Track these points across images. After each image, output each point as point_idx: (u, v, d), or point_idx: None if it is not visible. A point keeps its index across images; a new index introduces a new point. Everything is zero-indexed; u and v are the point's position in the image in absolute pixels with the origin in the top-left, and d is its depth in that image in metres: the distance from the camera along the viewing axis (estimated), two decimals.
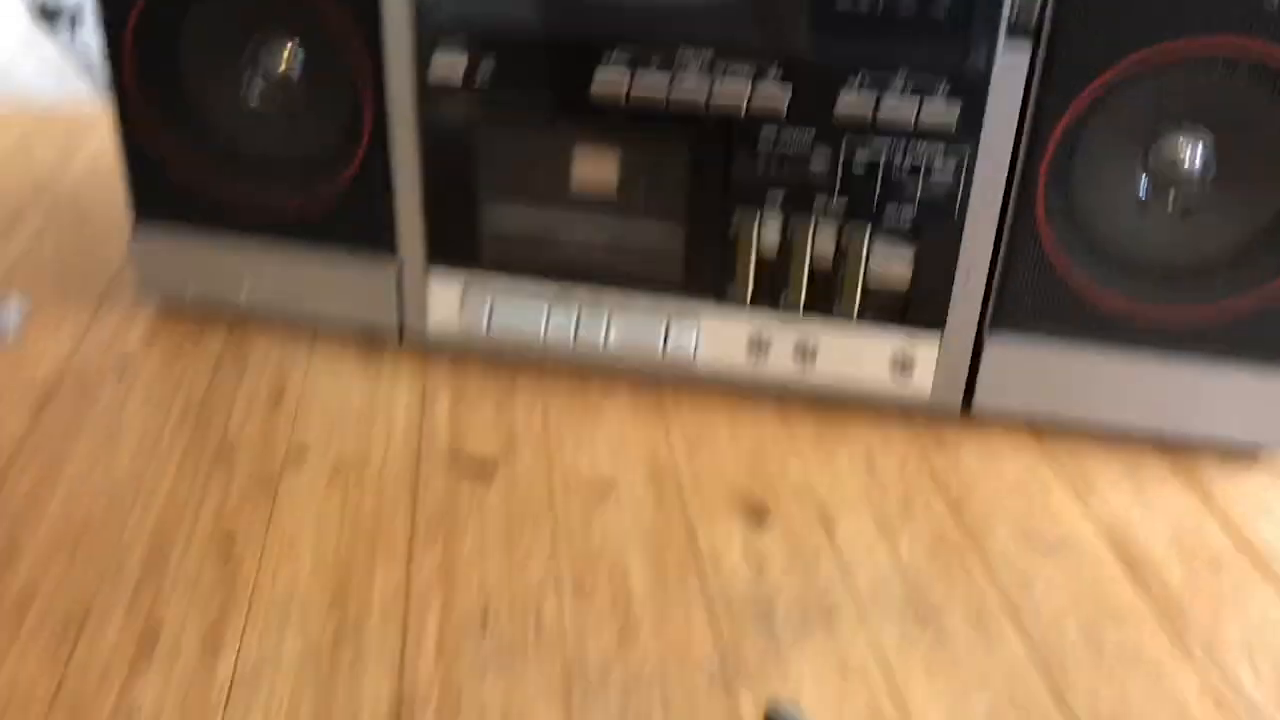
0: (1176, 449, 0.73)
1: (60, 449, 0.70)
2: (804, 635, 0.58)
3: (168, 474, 0.68)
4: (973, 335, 0.72)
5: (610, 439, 0.73)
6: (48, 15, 2.17)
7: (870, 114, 0.67)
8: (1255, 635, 0.60)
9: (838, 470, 0.71)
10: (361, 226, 0.77)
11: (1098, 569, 0.64)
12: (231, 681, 0.54)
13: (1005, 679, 0.56)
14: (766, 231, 0.71)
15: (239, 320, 0.82)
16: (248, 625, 0.58)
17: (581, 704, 0.54)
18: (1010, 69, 0.65)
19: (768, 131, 0.69)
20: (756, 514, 0.67)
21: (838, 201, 0.70)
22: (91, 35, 2.30)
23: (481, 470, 0.69)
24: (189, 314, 0.83)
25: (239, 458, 0.69)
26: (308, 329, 0.82)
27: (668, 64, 0.69)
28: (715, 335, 0.74)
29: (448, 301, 0.78)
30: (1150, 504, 0.69)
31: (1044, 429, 0.75)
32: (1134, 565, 0.64)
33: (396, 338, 0.80)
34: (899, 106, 0.67)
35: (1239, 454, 0.73)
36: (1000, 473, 0.71)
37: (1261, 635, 0.60)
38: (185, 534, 0.63)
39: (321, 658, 0.56)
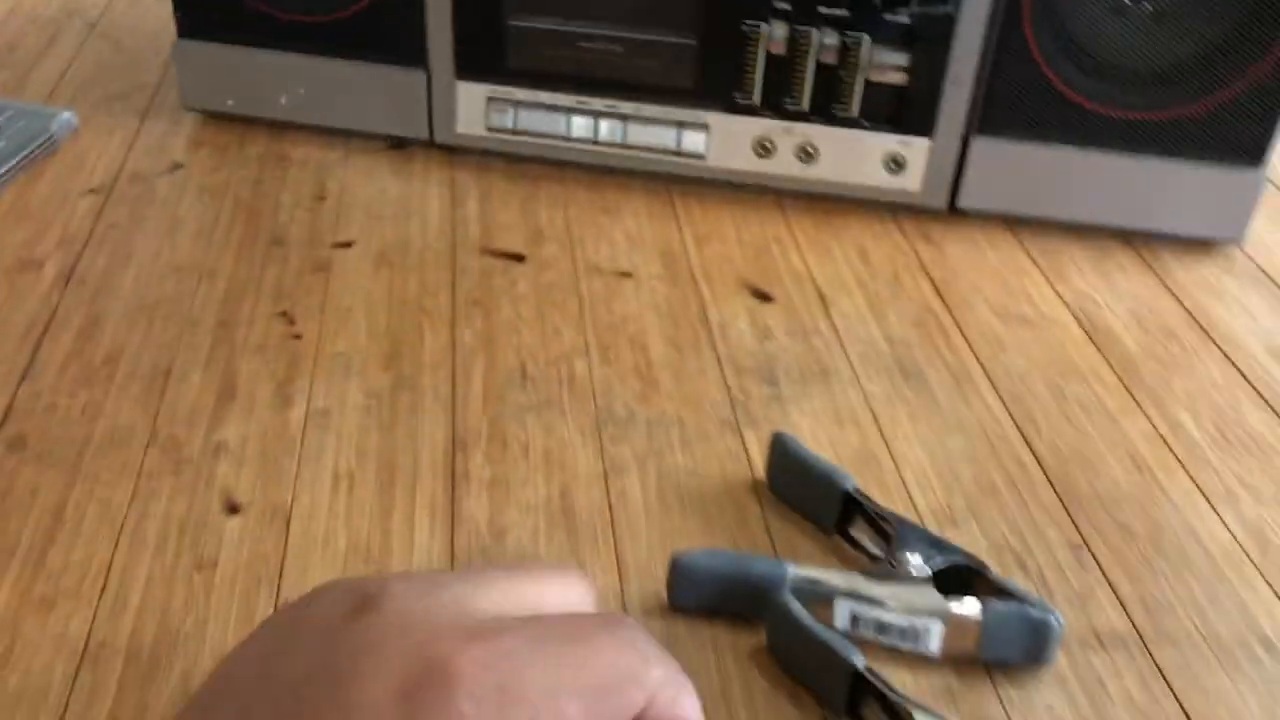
0: (1141, 242, 0.81)
1: (126, 238, 0.76)
2: (803, 390, 0.67)
3: (227, 258, 0.75)
4: (959, 137, 0.79)
5: (627, 234, 0.80)
6: None
7: None
8: (1199, 391, 0.68)
9: (834, 260, 0.78)
10: (393, 39, 0.82)
11: (1064, 337, 0.72)
12: (305, 423, 0.62)
13: (979, 424, 0.65)
14: (773, 39, 0.77)
15: (277, 129, 0.88)
16: (314, 380, 0.65)
17: (611, 438, 0.62)
18: None
19: None
20: (760, 295, 0.74)
21: (840, 9, 0.76)
22: None
23: (512, 259, 0.76)
24: (230, 123, 0.89)
25: (291, 246, 0.76)
26: (342, 137, 0.88)
27: None
28: (724, 138, 0.81)
29: (474, 110, 0.84)
30: (1114, 286, 0.77)
31: (1021, 225, 0.82)
32: (1096, 334, 0.72)
33: (426, 144, 0.86)
34: None
35: (1196, 246, 0.81)
36: (981, 261, 0.79)
37: (1204, 391, 0.68)
38: (249, 306, 0.70)
39: (383, 404, 0.64)
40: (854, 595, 0.51)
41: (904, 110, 0.78)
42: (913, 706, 0.46)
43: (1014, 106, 0.77)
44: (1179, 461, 0.63)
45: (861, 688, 0.47)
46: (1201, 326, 0.74)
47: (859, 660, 0.47)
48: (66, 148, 0.86)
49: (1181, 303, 0.76)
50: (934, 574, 0.51)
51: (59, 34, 1.03)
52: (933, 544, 0.53)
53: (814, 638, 0.49)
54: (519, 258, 0.77)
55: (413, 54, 0.83)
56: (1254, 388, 0.69)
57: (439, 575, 0.37)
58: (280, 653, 0.35)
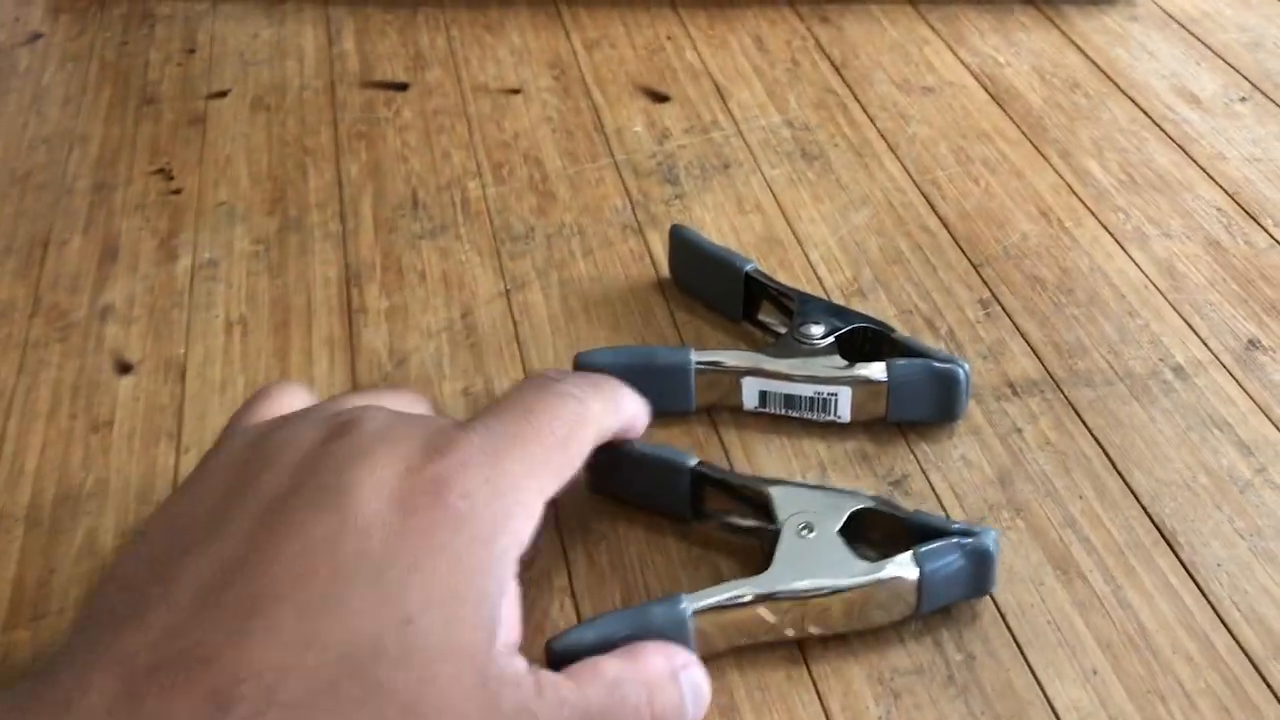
0: (1042, 1, 0.79)
1: None
2: (704, 185, 0.65)
3: (97, 123, 0.71)
4: None
5: (514, 49, 0.76)
6: None
7: None
8: (1104, 138, 0.67)
9: (730, 52, 0.75)
10: None
11: (967, 101, 0.70)
12: (192, 276, 0.60)
13: (884, 196, 0.63)
14: None
15: None
16: (198, 232, 0.63)
17: (510, 255, 0.60)
18: None
19: None
20: (656, 96, 0.72)
21: None
22: None
23: (394, 88, 0.73)
24: None
25: (163, 102, 0.73)
26: None
27: None
28: None
29: None
30: (1017, 46, 0.75)
31: None
32: (999, 94, 0.70)
33: None
34: None
35: None
36: (880, 36, 0.76)
37: (1110, 137, 0.67)
38: (125, 167, 0.67)
39: (271, 248, 0.62)
40: (758, 373, 0.50)
41: None
42: (758, 483, 0.45)
43: None
44: (1087, 208, 0.62)
45: (700, 483, 0.46)
46: (1106, 74, 0.72)
47: (691, 460, 0.45)
48: None
49: (1085, 53, 0.74)
50: (837, 341, 0.51)
51: None
52: (835, 313, 0.52)
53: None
54: (401, 86, 0.73)
55: None
56: (1160, 128, 0.67)
57: (390, 402, 0.40)
58: (257, 470, 0.36)
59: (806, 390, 0.50)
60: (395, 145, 0.68)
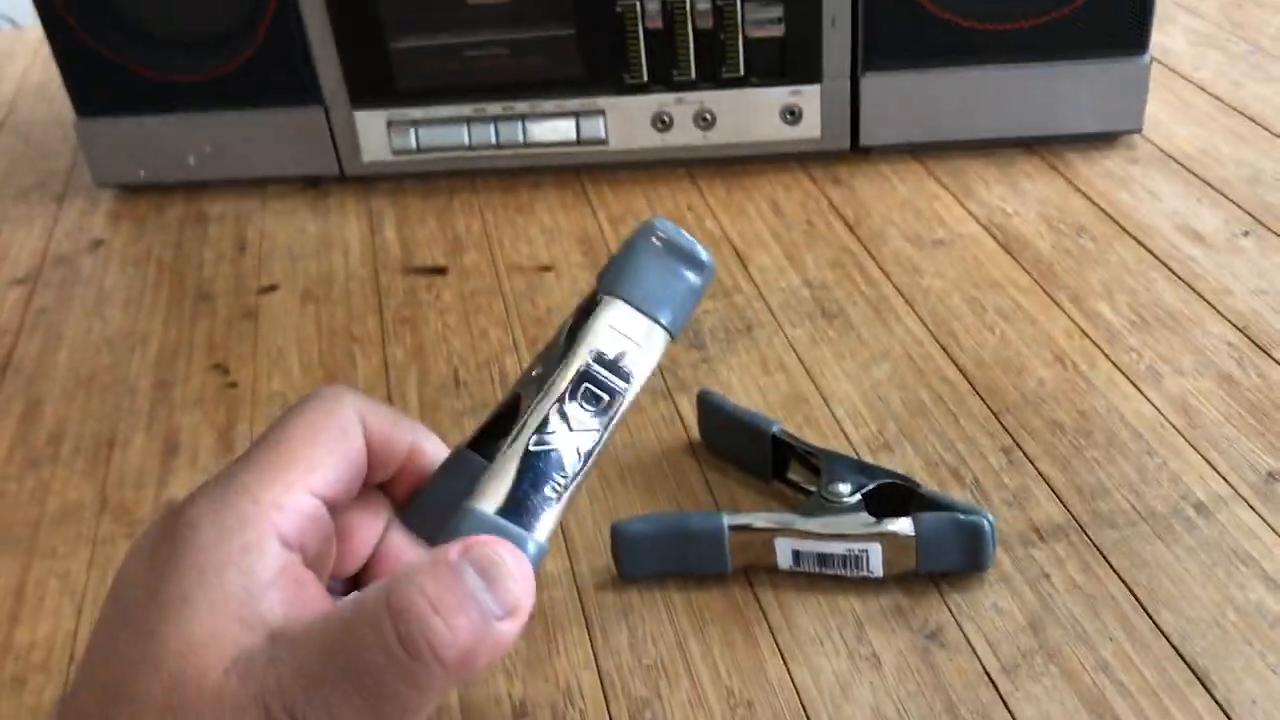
0: (1044, 147, 0.82)
1: (56, 318, 0.77)
2: (729, 347, 0.68)
3: (156, 322, 0.76)
4: (848, 77, 0.80)
5: (544, 229, 0.81)
6: None
7: None
8: (1113, 279, 0.69)
9: (748, 217, 0.79)
10: (285, 80, 0.84)
11: (978, 252, 0.73)
12: None
13: (903, 348, 0.66)
14: (649, 15, 0.78)
15: (192, 189, 0.90)
16: (253, 423, 0.66)
17: None
18: None
19: None
20: None
21: None
22: None
23: (434, 272, 0.78)
24: (145, 192, 0.90)
25: (218, 298, 0.78)
26: (256, 185, 0.89)
27: None
28: (622, 119, 0.82)
29: (377, 136, 0.85)
30: (1023, 194, 0.78)
31: (926, 152, 0.83)
32: (1009, 243, 0.73)
33: (336, 178, 0.88)
34: None
35: (1098, 140, 0.82)
36: (890, 193, 0.80)
37: (1118, 278, 0.69)
38: (183, 364, 0.72)
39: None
40: (790, 533, 0.52)
41: (789, 61, 0.79)
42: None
43: (894, 38, 0.78)
44: (1100, 350, 0.64)
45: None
46: (1111, 217, 0.75)
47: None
48: None
49: (1089, 198, 0.77)
50: (864, 498, 0.53)
51: None
52: (861, 470, 0.54)
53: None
54: (441, 270, 0.78)
55: (307, 92, 0.84)
56: (1167, 267, 0.70)
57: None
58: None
59: (838, 548, 0.52)
60: (437, 327, 0.72)
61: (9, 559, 0.59)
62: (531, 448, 0.36)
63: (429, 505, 0.39)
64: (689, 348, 0.68)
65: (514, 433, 0.36)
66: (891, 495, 0.54)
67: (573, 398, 0.37)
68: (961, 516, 0.51)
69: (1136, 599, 0.50)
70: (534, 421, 0.36)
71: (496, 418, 0.39)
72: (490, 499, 0.35)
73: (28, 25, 1.26)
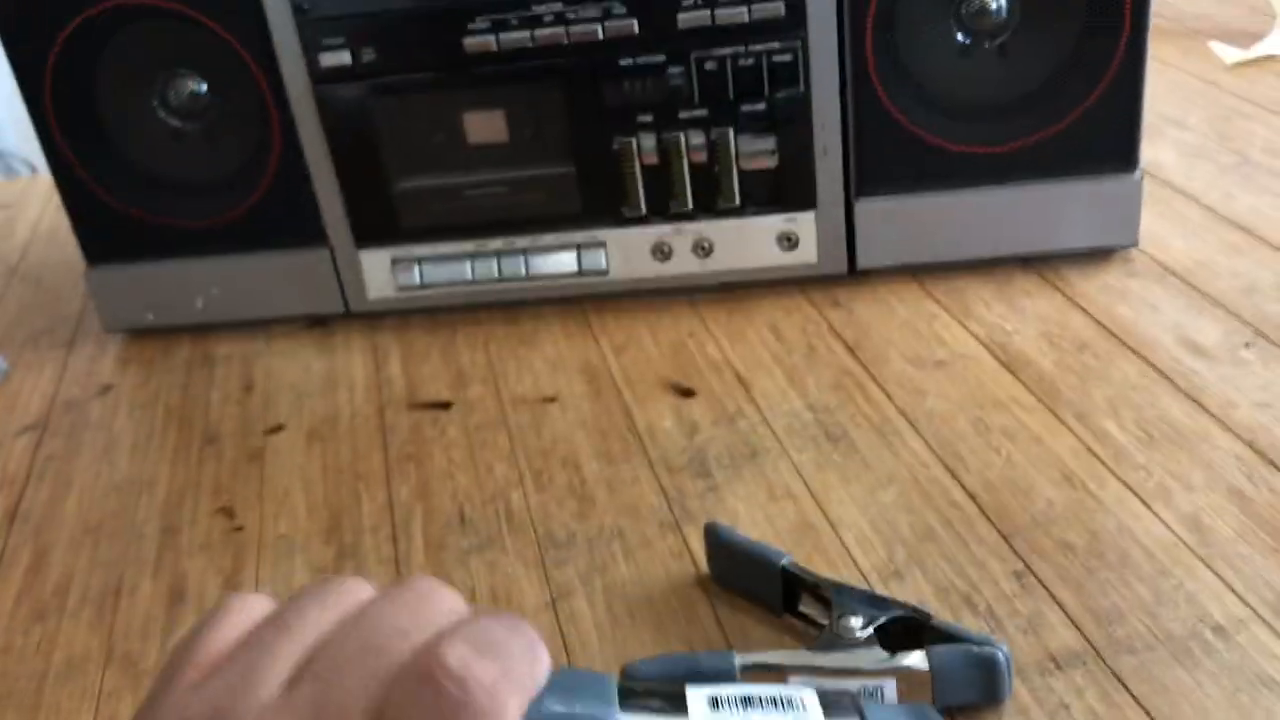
0: (1042, 264, 0.83)
1: (64, 466, 0.78)
2: (735, 474, 0.68)
3: (163, 466, 0.76)
4: (842, 203, 0.81)
5: (547, 360, 0.81)
6: None
7: (709, 21, 0.76)
8: (1118, 396, 0.69)
9: (749, 343, 0.80)
10: (291, 223, 0.85)
11: (980, 372, 0.73)
12: None
13: (909, 471, 0.66)
14: (644, 151, 0.80)
15: (199, 331, 0.91)
16: (260, 566, 0.66)
17: (554, 562, 0.63)
18: None
19: (626, 61, 0.78)
20: (683, 392, 0.76)
21: (700, 110, 0.79)
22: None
23: (439, 408, 0.78)
24: (153, 336, 0.91)
25: (224, 441, 0.78)
26: (262, 326, 0.90)
27: (527, 22, 0.77)
28: (622, 251, 0.83)
29: (381, 274, 0.86)
30: (1022, 312, 0.78)
31: (924, 272, 0.84)
32: (1011, 362, 0.74)
33: (342, 315, 0.89)
34: (732, 11, 0.76)
35: (1095, 256, 0.83)
36: (890, 315, 0.80)
37: (1123, 395, 0.69)
38: (190, 508, 0.72)
39: (328, 574, 0.64)
40: (803, 670, 0.51)
41: (783, 189, 0.80)
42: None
43: (885, 163, 0.79)
44: (1108, 469, 0.64)
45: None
46: (1112, 332, 0.75)
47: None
48: (0, 390, 0.88)
49: (1089, 313, 0.77)
50: (877, 631, 0.52)
51: None
52: (872, 603, 0.53)
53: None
54: (445, 405, 0.78)
55: (312, 234, 0.85)
56: (1171, 381, 0.70)
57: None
58: None
59: (852, 685, 0.51)
60: (442, 463, 0.72)
61: (13, 714, 0.59)
62: None
63: None
64: (695, 476, 0.68)
65: None
66: (904, 627, 0.53)
67: None
68: (975, 649, 0.50)
69: None
70: None
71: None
72: None
73: (44, 172, 1.29)
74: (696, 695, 0.35)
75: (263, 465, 0.75)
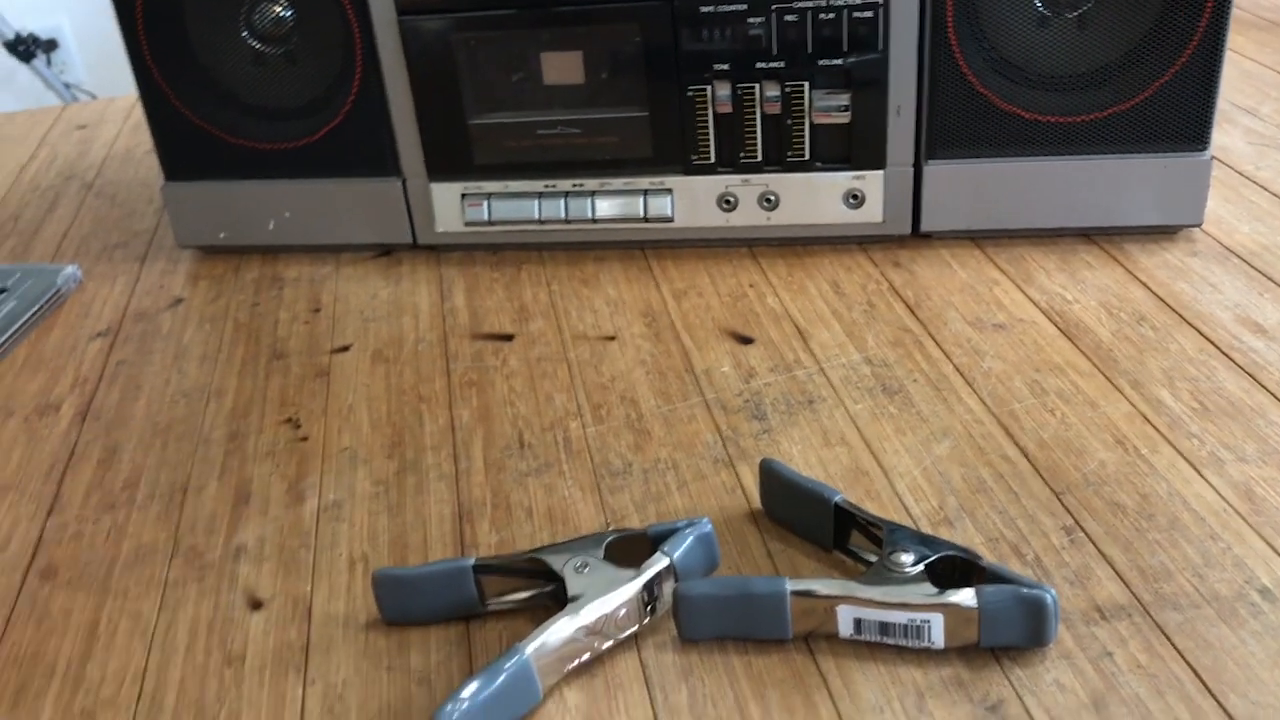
0: (1104, 238, 0.83)
1: (135, 372, 0.80)
2: (790, 420, 0.69)
3: (231, 377, 0.78)
4: (911, 164, 0.82)
5: (609, 301, 0.83)
6: (20, 50, 2.27)
7: None
8: (1174, 368, 0.70)
9: (809, 296, 0.81)
10: (366, 153, 0.87)
11: (1038, 336, 0.74)
12: (318, 516, 0.65)
13: (964, 426, 0.67)
14: (719, 100, 0.81)
15: (270, 253, 0.93)
16: (323, 475, 0.68)
17: (610, 488, 0.64)
18: None
19: (707, 8, 0.79)
20: (741, 339, 0.77)
21: (777, 62, 0.79)
22: (67, 59, 2.39)
23: (501, 339, 0.80)
24: (224, 255, 0.94)
25: (291, 357, 0.80)
26: (331, 252, 0.92)
27: None
28: (688, 199, 0.84)
29: (450, 208, 0.88)
30: (1083, 283, 0.79)
31: (986, 239, 0.85)
32: (1069, 329, 0.74)
33: (408, 246, 0.90)
34: None
35: (1158, 234, 0.83)
36: (950, 278, 0.81)
37: (1180, 367, 0.70)
38: (257, 417, 0.74)
39: (390, 489, 0.66)
40: (852, 600, 0.52)
41: (854, 147, 0.81)
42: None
43: (957, 127, 0.80)
44: (1162, 435, 0.64)
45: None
46: (1171, 307, 0.75)
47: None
48: (73, 299, 0.90)
49: (1149, 288, 0.78)
50: (927, 569, 0.53)
51: (59, 198, 1.08)
52: (923, 541, 0.54)
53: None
54: (508, 337, 0.80)
55: (385, 164, 0.87)
56: (1229, 357, 0.70)
57: None
58: None
59: (900, 617, 0.52)
60: (503, 391, 0.74)
61: (83, 596, 0.61)
62: None
63: None
64: (750, 419, 0.69)
65: None
66: (953, 568, 0.54)
67: None
68: (1024, 590, 0.51)
69: (1202, 682, 0.50)
70: None
71: None
72: None
73: (106, 97, 1.32)
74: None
75: (329, 381, 0.77)
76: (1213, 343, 0.72)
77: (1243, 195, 0.89)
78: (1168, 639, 0.52)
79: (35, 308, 0.87)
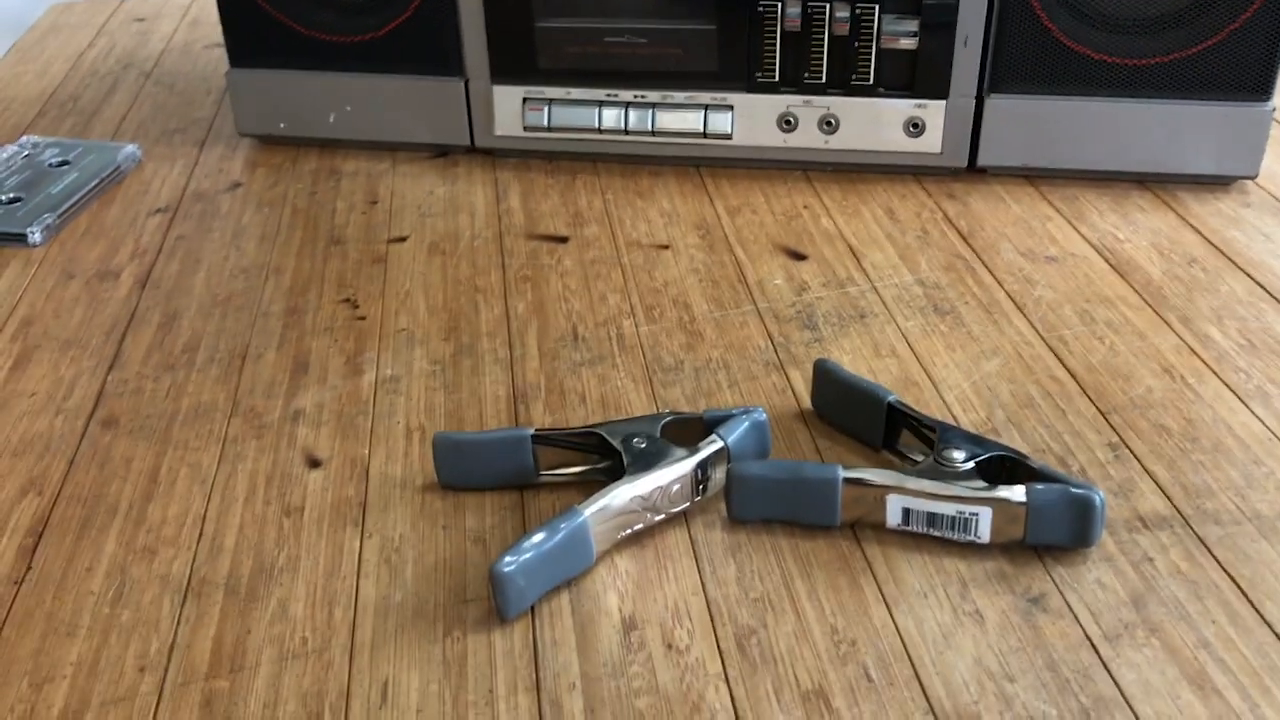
0: (1158, 184, 0.84)
1: (194, 247, 0.81)
2: (841, 330, 0.70)
3: (289, 258, 0.79)
4: (974, 97, 0.82)
5: (663, 212, 0.84)
6: None
7: None
8: (1223, 307, 0.71)
9: (863, 220, 0.82)
10: (431, 51, 0.88)
11: (1089, 270, 0.75)
12: (375, 389, 0.66)
13: (1013, 346, 0.68)
14: (789, 17, 0.81)
15: (328, 147, 0.94)
16: (380, 352, 0.69)
17: (662, 382, 0.66)
18: None
19: None
20: (795, 255, 0.78)
21: None
22: None
23: (557, 240, 0.81)
24: (283, 145, 0.95)
25: (349, 243, 0.81)
26: (389, 150, 0.93)
27: None
28: (748, 117, 0.85)
29: (510, 112, 0.88)
30: (1135, 224, 0.80)
31: (1041, 177, 0.85)
32: (1120, 265, 0.75)
33: (467, 150, 0.91)
34: None
35: (1212, 183, 0.84)
36: (1004, 212, 0.82)
37: (1229, 306, 0.71)
38: (315, 295, 0.75)
39: (446, 368, 0.68)
40: (903, 490, 0.54)
41: (919, 75, 0.82)
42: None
43: (1022, 63, 0.80)
44: (1209, 368, 0.65)
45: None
46: (1222, 252, 0.76)
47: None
48: (133, 177, 0.91)
49: (1201, 234, 0.78)
50: (977, 466, 0.54)
51: (117, 84, 1.09)
52: (975, 441, 0.56)
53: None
54: (562, 239, 0.81)
55: (450, 64, 0.88)
56: (1277, 300, 0.71)
57: None
58: None
59: (949, 509, 0.53)
60: (557, 288, 0.75)
61: (144, 445, 0.62)
62: None
63: None
64: (802, 328, 0.70)
65: None
66: (1001, 469, 0.55)
67: None
68: (1073, 489, 0.52)
69: (1240, 589, 0.51)
70: None
71: None
72: None
73: None
74: None
75: (386, 268, 0.78)
76: (1263, 287, 0.72)
77: None
78: (1208, 550, 0.53)
79: (96, 180, 0.88)
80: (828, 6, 0.80)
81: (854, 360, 0.67)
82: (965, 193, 0.84)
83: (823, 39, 0.81)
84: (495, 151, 0.91)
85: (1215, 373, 0.65)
